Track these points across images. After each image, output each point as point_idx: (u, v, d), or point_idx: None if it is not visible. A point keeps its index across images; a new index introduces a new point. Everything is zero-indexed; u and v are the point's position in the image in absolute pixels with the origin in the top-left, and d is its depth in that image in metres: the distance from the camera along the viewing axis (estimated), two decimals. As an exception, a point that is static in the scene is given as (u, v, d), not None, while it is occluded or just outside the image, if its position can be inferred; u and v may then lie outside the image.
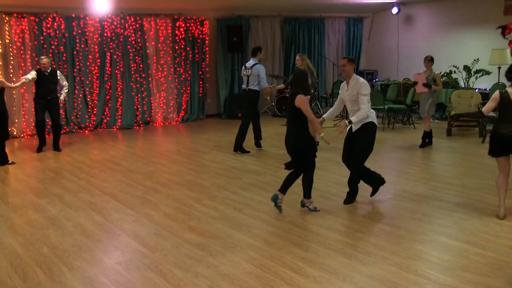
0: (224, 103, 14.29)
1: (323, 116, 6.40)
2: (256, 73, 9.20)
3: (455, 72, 12.88)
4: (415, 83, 9.83)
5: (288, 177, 6.05)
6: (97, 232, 5.47)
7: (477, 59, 12.47)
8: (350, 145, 6.34)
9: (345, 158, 6.41)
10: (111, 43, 12.24)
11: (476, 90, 11.88)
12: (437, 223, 5.62)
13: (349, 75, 6.30)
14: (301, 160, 5.94)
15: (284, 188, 6.03)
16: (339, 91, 6.52)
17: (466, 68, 12.61)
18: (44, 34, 11.41)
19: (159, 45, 12.96)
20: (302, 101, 5.74)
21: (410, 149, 9.75)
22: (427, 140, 9.82)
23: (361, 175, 6.36)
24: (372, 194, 6.48)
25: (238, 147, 9.36)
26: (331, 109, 6.60)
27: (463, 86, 12.73)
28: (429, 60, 9.69)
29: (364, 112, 6.12)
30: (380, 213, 6.03)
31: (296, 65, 9.35)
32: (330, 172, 7.92)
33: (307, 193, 6.05)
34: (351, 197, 6.40)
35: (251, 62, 9.36)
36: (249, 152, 9.35)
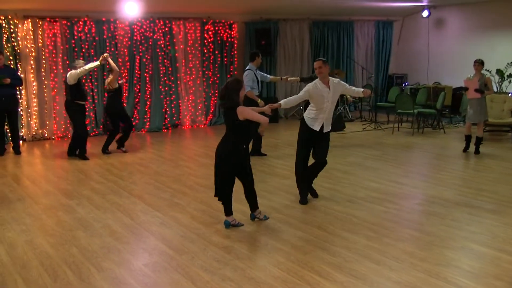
0: (252, 107, 14.29)
1: (280, 101, 6.21)
2: (245, 78, 9.12)
3: (487, 76, 12.68)
4: (466, 89, 9.48)
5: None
6: (125, 234, 5.53)
7: (510, 62, 12.25)
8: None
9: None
10: (140, 46, 12.38)
11: (509, 95, 11.67)
12: (468, 230, 5.52)
13: (326, 77, 6.27)
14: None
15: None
16: (307, 91, 6.25)
17: (499, 72, 12.40)
18: (76, 37, 11.61)
19: (188, 49, 13.06)
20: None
21: (439, 154, 9.61)
22: (475, 146, 9.54)
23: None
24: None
25: (255, 153, 9.31)
26: (291, 97, 6.30)
27: (495, 90, 12.52)
28: (479, 64, 9.35)
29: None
30: (409, 218, 5.95)
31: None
32: (357, 176, 7.86)
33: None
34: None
35: (247, 67, 9.36)
36: (265, 155, 9.44)
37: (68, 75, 9.18)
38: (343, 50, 15.68)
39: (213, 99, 13.70)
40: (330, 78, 6.34)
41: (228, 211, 5.73)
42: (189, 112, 13.34)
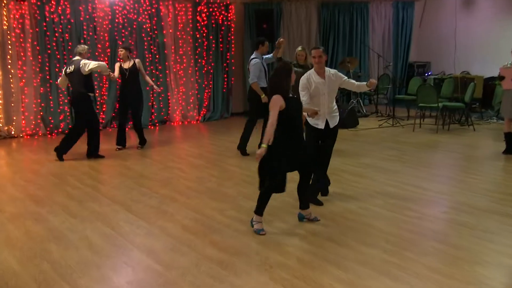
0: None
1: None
2: (252, 68, 9.30)
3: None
4: (502, 78, 9.46)
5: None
6: (105, 246, 5.52)
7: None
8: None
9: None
10: (123, 31, 12.38)
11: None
12: (502, 243, 5.51)
13: (323, 67, 6.50)
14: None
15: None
16: (306, 88, 6.44)
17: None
18: (47, 19, 11.59)
19: (178, 33, 13.07)
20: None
21: (468, 155, 9.60)
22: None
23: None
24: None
25: (239, 147, 9.68)
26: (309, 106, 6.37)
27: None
28: None
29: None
30: (432, 229, 5.94)
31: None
32: (373, 180, 7.85)
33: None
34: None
35: (252, 56, 9.53)
36: (247, 155, 9.61)
37: (82, 63, 9.10)
38: (356, 35, 15.70)
39: (206, 91, 13.72)
40: (326, 68, 6.57)
41: (306, 205, 6.11)
42: (179, 106, 13.35)
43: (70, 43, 11.80)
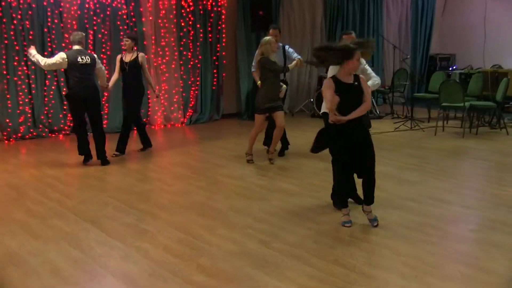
0: (247, 99, 14.33)
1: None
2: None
3: None
4: None
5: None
6: (73, 271, 5.48)
7: None
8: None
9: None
10: (94, 18, 12.36)
11: None
12: (540, 265, 5.50)
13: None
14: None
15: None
16: None
17: None
18: (3, 3, 11.53)
19: (159, 21, 13.06)
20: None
21: (501, 163, 9.60)
22: None
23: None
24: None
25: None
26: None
27: None
28: None
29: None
30: (459, 250, 5.92)
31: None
32: (388, 192, 7.83)
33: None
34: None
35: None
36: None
37: (99, 62, 9.72)
38: (369, 23, 15.76)
39: (193, 89, 13.71)
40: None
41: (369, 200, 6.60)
42: (161, 107, 13.33)
43: (31, 32, 11.74)
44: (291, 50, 10.30)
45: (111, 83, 10.21)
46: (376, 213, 6.92)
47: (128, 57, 10.25)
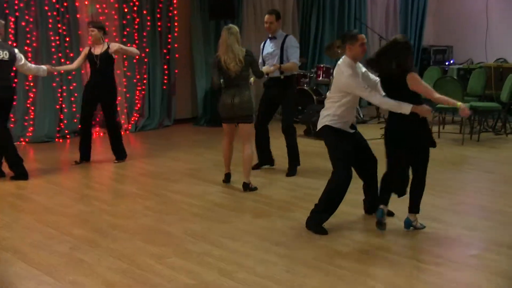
0: (204, 101, 14.30)
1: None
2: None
3: None
4: None
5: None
6: (-8, 312, 5.40)
7: None
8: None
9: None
10: (16, 2, 12.24)
11: None
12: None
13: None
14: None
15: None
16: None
17: None
18: None
19: (98, 6, 12.98)
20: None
21: (507, 175, 9.69)
22: None
23: None
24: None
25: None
26: (375, 97, 7.22)
27: None
28: None
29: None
30: (458, 279, 5.95)
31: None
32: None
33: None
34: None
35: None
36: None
37: (20, 57, 9.69)
38: (349, 10, 15.86)
39: (139, 88, 13.65)
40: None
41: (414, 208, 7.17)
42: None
43: None
44: (291, 45, 9.91)
45: (63, 68, 10.25)
46: (360, 236, 6.96)
47: (98, 50, 10.26)
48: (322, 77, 14.06)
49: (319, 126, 7.48)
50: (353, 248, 6.65)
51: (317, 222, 7.19)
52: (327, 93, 7.57)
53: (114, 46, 10.36)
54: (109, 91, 10.48)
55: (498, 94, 12.60)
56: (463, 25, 16.30)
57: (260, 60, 9.92)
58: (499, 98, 12.49)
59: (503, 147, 11.69)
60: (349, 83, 7.08)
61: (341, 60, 7.31)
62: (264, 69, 9.54)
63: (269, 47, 9.85)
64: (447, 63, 15.81)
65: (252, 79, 9.33)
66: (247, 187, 8.92)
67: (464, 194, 8.41)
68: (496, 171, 9.95)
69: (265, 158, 10.27)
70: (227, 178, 9.34)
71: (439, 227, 7.31)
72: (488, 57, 15.29)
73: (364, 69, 7.50)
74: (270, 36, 9.88)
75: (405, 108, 6.79)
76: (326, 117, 7.34)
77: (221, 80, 8.84)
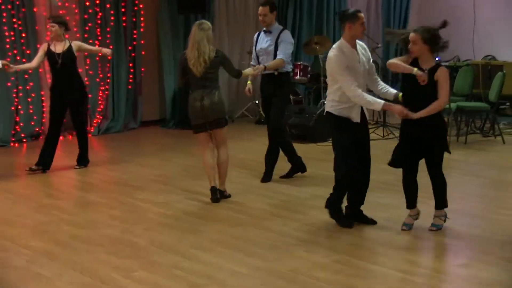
0: (173, 102, 14.28)
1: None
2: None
3: None
4: None
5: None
6: None
7: None
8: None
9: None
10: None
11: None
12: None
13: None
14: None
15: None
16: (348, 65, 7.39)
17: None
18: None
19: (57, -1, 12.96)
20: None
21: (496, 180, 9.76)
22: None
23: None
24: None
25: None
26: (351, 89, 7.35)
27: None
28: None
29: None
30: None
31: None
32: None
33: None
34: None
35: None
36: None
37: None
38: (329, 4, 15.90)
39: (102, 88, 13.60)
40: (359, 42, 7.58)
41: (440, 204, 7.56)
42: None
43: None
44: (283, 40, 9.79)
45: (20, 67, 10.23)
46: (338, 246, 6.96)
47: (59, 47, 10.16)
48: (299, 75, 13.99)
49: (325, 111, 7.81)
50: (332, 259, 6.64)
51: (338, 215, 7.63)
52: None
53: (77, 44, 10.28)
54: (78, 92, 10.39)
55: (486, 94, 12.67)
56: (449, 21, 16.37)
57: (254, 54, 9.97)
58: (487, 97, 12.56)
59: (491, 149, 11.76)
60: (331, 64, 7.32)
61: (336, 43, 7.53)
62: (247, 71, 9.50)
63: (263, 41, 9.79)
64: (437, 59, 15.87)
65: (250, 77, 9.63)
66: (221, 194, 8.87)
67: (450, 201, 8.42)
68: (485, 175, 10.01)
69: (294, 164, 10.06)
70: (216, 193, 8.83)
71: (425, 235, 7.35)
72: (475, 54, 15.37)
73: (367, 50, 7.72)
74: (264, 29, 9.84)
75: (377, 105, 7.20)
76: (328, 102, 7.66)
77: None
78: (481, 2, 15.65)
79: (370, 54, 7.79)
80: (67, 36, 10.45)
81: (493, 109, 12.49)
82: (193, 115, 8.69)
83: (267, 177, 9.75)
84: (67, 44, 10.19)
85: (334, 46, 7.50)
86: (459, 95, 13.08)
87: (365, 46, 7.72)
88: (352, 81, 7.21)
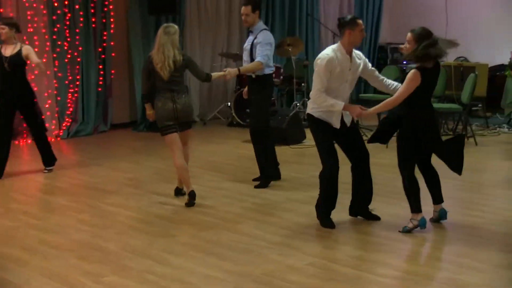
0: (143, 104, 14.20)
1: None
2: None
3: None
4: None
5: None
6: None
7: None
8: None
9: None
10: None
11: None
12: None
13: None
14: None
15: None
16: (331, 69, 7.41)
17: None
18: None
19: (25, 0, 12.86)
20: None
21: (469, 182, 9.79)
22: None
23: None
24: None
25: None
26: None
27: None
28: None
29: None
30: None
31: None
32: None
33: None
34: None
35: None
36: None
37: None
38: (301, 5, 15.94)
39: (71, 91, 13.53)
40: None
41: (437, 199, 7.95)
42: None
43: None
44: (260, 41, 9.56)
45: None
46: (312, 249, 6.95)
47: (8, 50, 9.98)
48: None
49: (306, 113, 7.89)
50: (306, 262, 6.63)
51: (322, 215, 7.68)
52: None
53: (27, 49, 10.07)
54: (25, 97, 10.22)
55: (459, 95, 12.72)
56: (421, 22, 16.30)
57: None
58: (459, 99, 12.61)
59: (465, 151, 11.80)
60: (319, 62, 7.37)
61: (332, 46, 7.57)
62: (216, 74, 9.39)
63: (247, 42, 9.76)
64: (405, 62, 15.90)
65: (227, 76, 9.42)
66: (180, 192, 9.10)
67: (423, 203, 8.45)
68: (457, 177, 9.97)
69: (263, 172, 9.81)
70: (194, 198, 8.79)
71: (398, 238, 7.34)
72: (448, 55, 15.40)
73: (363, 57, 7.77)
74: (249, 29, 9.84)
75: (338, 106, 7.32)
76: (309, 104, 7.69)
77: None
78: (453, 4, 15.73)
79: (367, 60, 7.89)
80: (25, 37, 10.24)
81: (465, 111, 12.54)
82: (164, 117, 8.60)
83: (260, 184, 9.66)
84: (18, 48, 9.99)
85: (330, 47, 7.57)
86: (432, 97, 13.12)
87: (361, 54, 7.80)
88: (323, 86, 7.31)
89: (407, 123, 7.41)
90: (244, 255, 6.80)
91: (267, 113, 9.79)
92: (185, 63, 8.58)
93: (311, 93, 7.59)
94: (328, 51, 7.43)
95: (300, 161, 10.82)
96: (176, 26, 8.71)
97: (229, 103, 14.75)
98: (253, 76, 9.54)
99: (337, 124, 7.55)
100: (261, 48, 9.44)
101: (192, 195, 8.66)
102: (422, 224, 7.39)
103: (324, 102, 7.37)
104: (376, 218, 7.91)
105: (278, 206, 8.61)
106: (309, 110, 7.67)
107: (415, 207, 7.46)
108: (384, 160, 10.21)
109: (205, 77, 9.03)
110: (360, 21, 7.53)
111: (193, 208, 8.59)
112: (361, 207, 7.96)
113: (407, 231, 7.38)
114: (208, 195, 9.11)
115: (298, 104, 14.16)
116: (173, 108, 8.53)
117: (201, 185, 9.59)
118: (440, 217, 7.73)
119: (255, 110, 9.67)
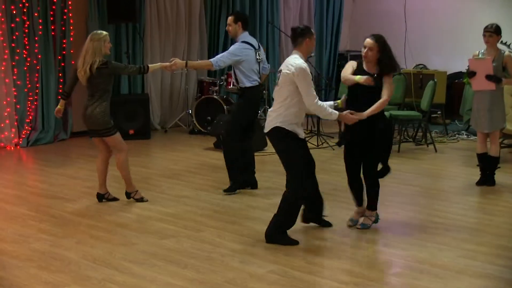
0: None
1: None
2: None
3: (507, 53, 13.23)
4: (472, 73, 9.64)
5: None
6: None
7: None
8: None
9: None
10: None
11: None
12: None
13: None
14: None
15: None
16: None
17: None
18: None
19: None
20: None
21: (428, 188, 9.87)
22: (488, 172, 9.89)
23: None
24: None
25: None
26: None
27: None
28: (492, 32, 9.59)
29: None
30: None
31: None
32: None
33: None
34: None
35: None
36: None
37: None
38: (261, 13, 15.96)
39: (31, 99, 13.43)
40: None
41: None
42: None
43: None
44: (228, 49, 9.87)
45: None
46: (273, 256, 6.97)
47: None
48: (232, 85, 14.00)
49: (268, 127, 7.55)
50: (268, 270, 6.65)
51: (282, 232, 7.45)
52: (274, 92, 7.65)
53: None
54: None
55: (418, 102, 12.82)
56: (381, 30, 16.44)
57: None
58: (419, 106, 12.72)
59: (424, 158, 11.87)
60: (302, 74, 7.29)
61: (294, 56, 7.56)
62: (156, 65, 9.48)
63: None
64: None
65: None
66: (129, 196, 9.24)
67: (383, 210, 8.51)
68: (417, 183, 10.12)
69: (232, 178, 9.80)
70: (100, 199, 9.28)
71: (360, 245, 7.40)
72: (407, 63, 15.52)
73: None
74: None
75: (334, 115, 7.45)
76: (277, 117, 7.42)
77: None
78: (412, 12, 15.84)
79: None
80: None
81: (425, 118, 12.64)
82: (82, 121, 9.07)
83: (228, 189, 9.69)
84: None
85: (294, 57, 7.52)
86: (392, 104, 13.20)
87: None
88: (316, 97, 7.34)
89: (385, 131, 7.77)
90: (206, 263, 6.81)
91: (238, 124, 9.66)
92: (109, 71, 8.72)
93: (307, 104, 7.33)
94: (299, 60, 7.40)
95: (261, 168, 10.83)
96: (105, 33, 8.84)
97: (190, 110, 14.73)
98: (238, 87, 9.79)
99: (303, 134, 7.60)
100: (223, 54, 9.60)
101: (97, 196, 9.27)
102: (377, 220, 7.95)
103: (324, 111, 7.41)
104: (329, 224, 7.96)
105: (239, 214, 8.62)
106: (277, 123, 7.40)
107: (376, 206, 7.90)
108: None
109: (138, 71, 9.21)
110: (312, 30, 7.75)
111: (154, 216, 8.57)
112: (318, 214, 7.94)
113: (367, 227, 7.82)
114: (169, 203, 9.11)
115: (259, 112, 14.20)
116: (82, 114, 9.00)
117: (162, 193, 9.60)
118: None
119: (229, 120, 10.06)
